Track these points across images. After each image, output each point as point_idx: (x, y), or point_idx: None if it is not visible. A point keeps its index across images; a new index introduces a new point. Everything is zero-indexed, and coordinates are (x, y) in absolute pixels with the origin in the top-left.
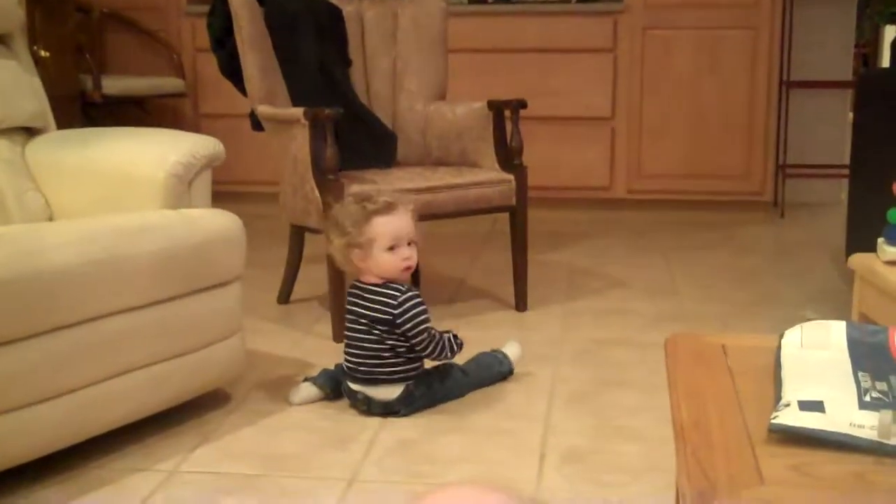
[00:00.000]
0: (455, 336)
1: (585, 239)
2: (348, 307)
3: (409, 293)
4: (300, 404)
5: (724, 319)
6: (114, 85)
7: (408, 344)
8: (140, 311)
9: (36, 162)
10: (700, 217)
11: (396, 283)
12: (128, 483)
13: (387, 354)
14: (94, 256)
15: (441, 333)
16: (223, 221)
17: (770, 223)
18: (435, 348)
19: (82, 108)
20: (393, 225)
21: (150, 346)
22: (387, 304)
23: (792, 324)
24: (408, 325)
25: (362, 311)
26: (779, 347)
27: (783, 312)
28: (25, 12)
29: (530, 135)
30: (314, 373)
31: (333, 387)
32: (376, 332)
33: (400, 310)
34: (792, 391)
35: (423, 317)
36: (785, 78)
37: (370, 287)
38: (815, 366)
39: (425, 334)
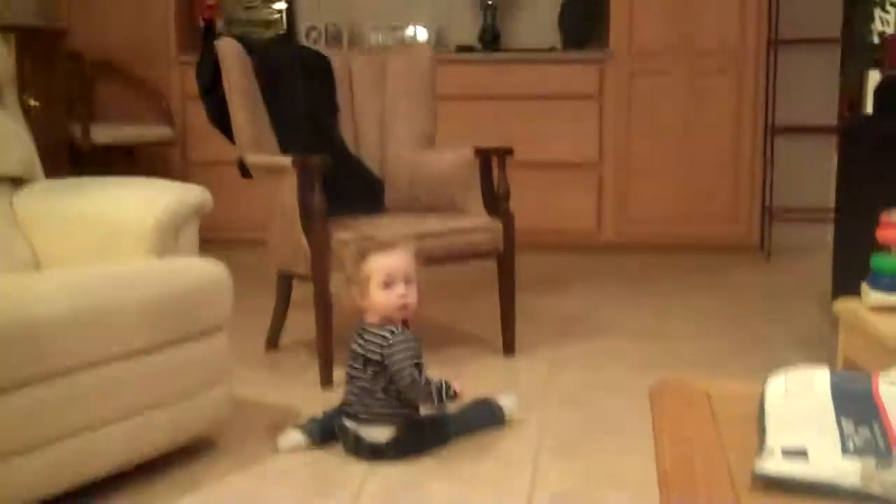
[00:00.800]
0: (447, 386)
1: (574, 283)
2: (351, 344)
3: (402, 336)
4: (288, 451)
5: (712, 362)
6: (103, 133)
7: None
8: (127, 360)
9: (24, 211)
10: (688, 260)
11: (393, 325)
12: None
13: (380, 395)
14: (82, 306)
15: (429, 381)
16: (210, 270)
17: (757, 266)
18: (416, 393)
19: (71, 157)
20: (387, 262)
21: (137, 395)
22: (378, 345)
23: (779, 367)
24: (393, 368)
25: (359, 349)
26: (762, 395)
27: (770, 355)
28: (15, 61)
29: (518, 180)
30: (302, 420)
31: (321, 435)
32: (370, 371)
33: (388, 350)
34: (775, 438)
35: (407, 361)
36: (770, 123)
37: (368, 327)
38: (799, 413)
39: (408, 379)
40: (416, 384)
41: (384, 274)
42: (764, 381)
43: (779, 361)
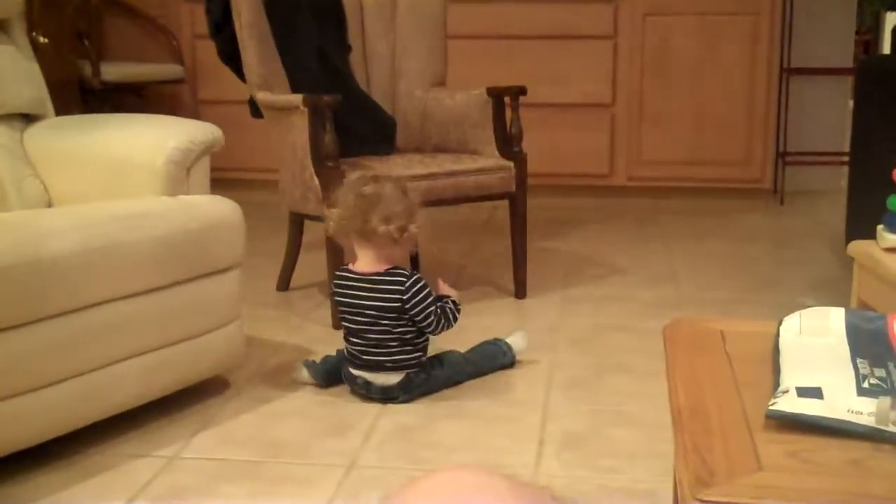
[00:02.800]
0: (454, 303)
1: (585, 226)
2: (343, 298)
3: (414, 277)
4: (303, 382)
5: (723, 306)
6: (112, 71)
7: (415, 330)
8: (139, 297)
9: (34, 148)
10: (700, 204)
11: (400, 269)
12: (128, 469)
13: (393, 344)
14: (93, 243)
15: (443, 306)
16: (222, 208)
17: (770, 210)
18: (441, 325)
19: (81, 95)
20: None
21: (150, 333)
22: (395, 292)
23: (791, 311)
24: (417, 309)
25: (366, 301)
26: (777, 334)
27: (782, 299)
28: None
29: (530, 122)
30: (309, 359)
31: (327, 379)
32: (385, 321)
33: (408, 294)
34: (790, 377)
35: (430, 299)
36: (785, 65)
37: (372, 276)
38: (814, 352)
39: (433, 316)
40: (440, 318)
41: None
42: (779, 321)
43: (792, 305)
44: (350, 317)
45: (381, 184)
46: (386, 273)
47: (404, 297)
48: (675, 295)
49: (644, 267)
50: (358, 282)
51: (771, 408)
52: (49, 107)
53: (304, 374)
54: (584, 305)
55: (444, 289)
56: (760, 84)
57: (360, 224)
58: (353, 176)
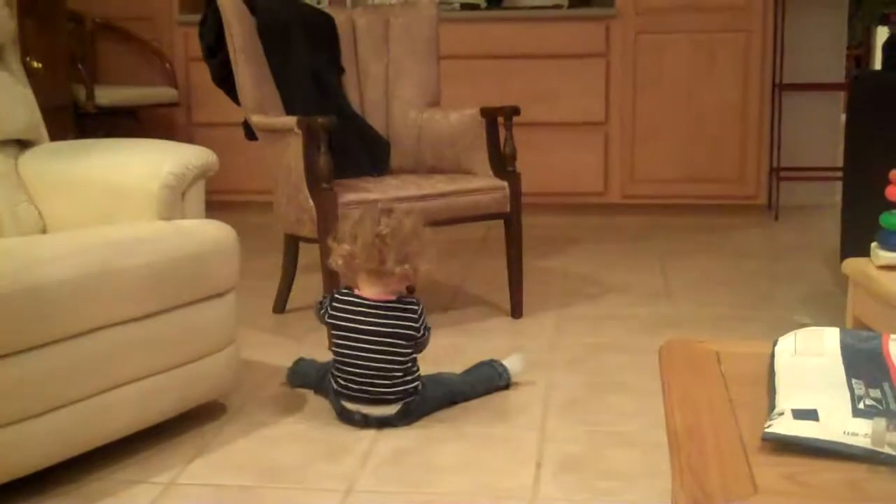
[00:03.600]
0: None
1: (580, 244)
2: (345, 323)
3: (419, 304)
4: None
5: (719, 323)
6: (107, 95)
7: (414, 357)
8: (135, 323)
9: (29, 174)
10: (695, 221)
11: (408, 297)
12: (126, 495)
13: (397, 373)
14: (88, 269)
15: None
16: (217, 232)
17: (764, 226)
18: (427, 343)
19: (75, 119)
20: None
21: (146, 358)
22: (410, 320)
23: (786, 328)
24: (425, 336)
25: (377, 328)
26: (772, 355)
27: (778, 315)
28: (17, 23)
29: (524, 141)
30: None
31: (311, 385)
32: (394, 349)
33: (420, 322)
34: (785, 399)
35: (428, 325)
36: (778, 81)
37: (384, 304)
38: (809, 373)
39: (429, 340)
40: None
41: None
42: (774, 341)
43: (787, 322)
44: (351, 343)
45: (396, 220)
46: (398, 301)
47: (417, 325)
48: (671, 312)
49: (640, 285)
50: (368, 307)
51: (767, 430)
52: (43, 132)
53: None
54: (581, 324)
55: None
56: (753, 100)
57: (375, 265)
58: (347, 196)
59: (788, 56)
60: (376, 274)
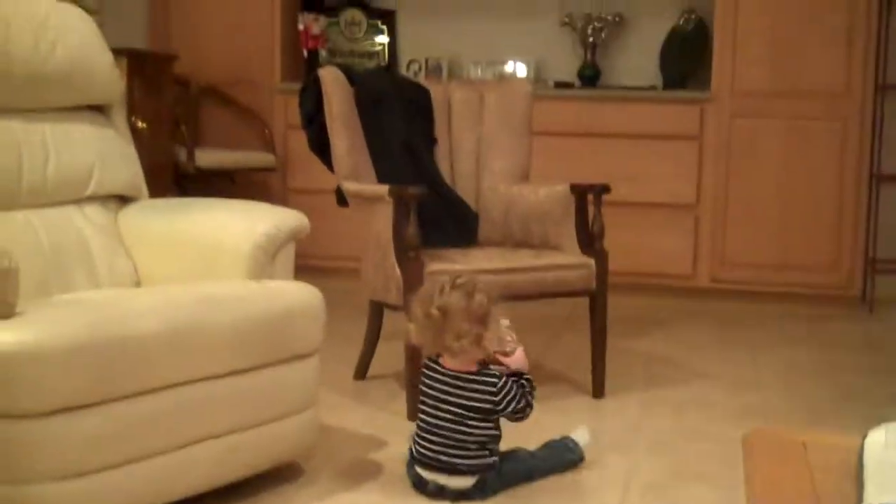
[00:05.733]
0: (529, 381)
1: (667, 327)
2: (429, 391)
3: (504, 378)
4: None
5: (807, 415)
6: (207, 157)
7: (495, 434)
8: (218, 379)
9: (127, 229)
10: (785, 309)
11: (490, 370)
12: None
13: (472, 446)
14: (177, 324)
15: (524, 394)
16: (304, 294)
17: (858, 319)
18: (528, 412)
19: (175, 178)
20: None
21: (227, 416)
22: (487, 393)
23: (877, 423)
24: (510, 408)
25: (455, 398)
26: (862, 447)
27: (869, 411)
28: (126, 84)
29: (613, 219)
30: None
31: None
32: (471, 421)
33: (500, 395)
34: (875, 493)
35: (518, 395)
36: (875, 170)
37: (463, 375)
38: None
39: (522, 411)
40: (527, 410)
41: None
42: (863, 434)
43: (878, 417)
44: (431, 411)
45: (448, 297)
46: (478, 373)
47: (496, 399)
48: (757, 401)
49: (727, 372)
50: (448, 377)
51: None
52: (144, 189)
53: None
54: (664, 408)
55: (521, 358)
56: (849, 188)
57: (433, 344)
58: (433, 266)
59: (886, 146)
60: (443, 350)
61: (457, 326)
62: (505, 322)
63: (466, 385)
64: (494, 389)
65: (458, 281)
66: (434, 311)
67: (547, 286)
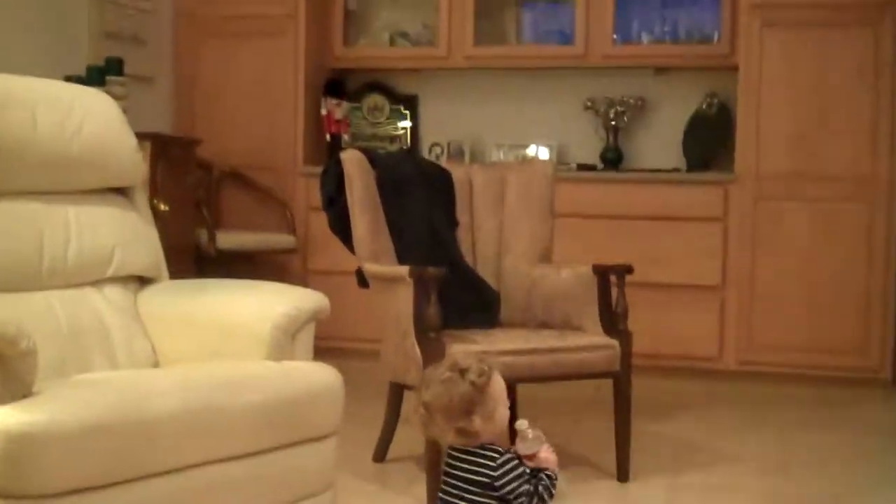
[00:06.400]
0: (550, 477)
1: (693, 410)
2: (444, 468)
3: (508, 454)
4: None
5: (836, 502)
6: (228, 240)
7: None
8: (236, 461)
9: (147, 310)
10: (814, 392)
11: (494, 445)
12: None
13: None
14: (195, 405)
15: (537, 484)
16: (323, 375)
17: (888, 401)
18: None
19: (196, 260)
20: (503, 384)
21: (244, 497)
22: (485, 466)
23: None
24: (508, 488)
25: (458, 472)
26: None
27: None
28: (150, 167)
29: (637, 300)
30: None
31: None
32: (472, 496)
33: (499, 471)
34: None
35: (522, 478)
36: None
37: (468, 449)
38: None
39: (525, 497)
40: (535, 496)
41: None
42: None
43: None
44: (444, 488)
45: (431, 391)
46: (480, 447)
47: (494, 475)
48: (785, 487)
49: (754, 456)
50: (455, 453)
51: None
52: (164, 271)
53: None
54: (690, 494)
55: (545, 458)
56: (877, 270)
57: (424, 431)
58: (454, 347)
59: None
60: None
61: (440, 424)
62: (523, 424)
63: (468, 458)
64: (494, 464)
65: (445, 374)
66: (420, 409)
67: (570, 367)
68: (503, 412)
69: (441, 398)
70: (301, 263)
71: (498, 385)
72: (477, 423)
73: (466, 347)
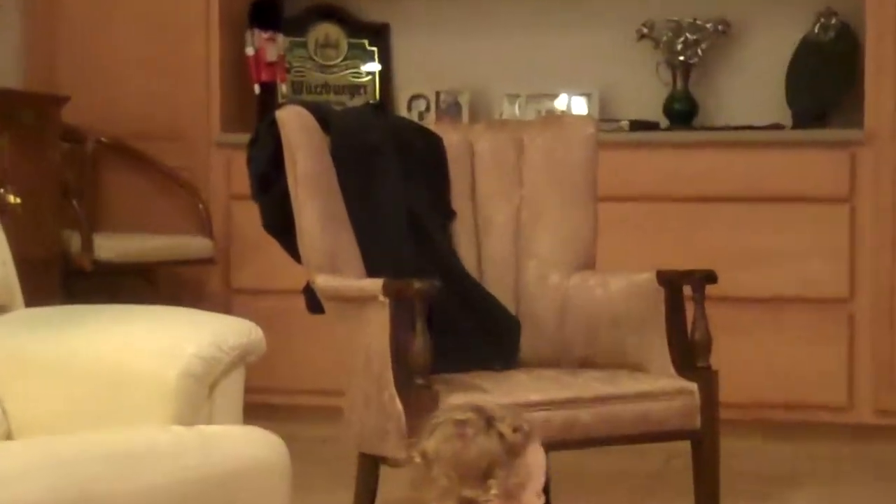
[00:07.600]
0: None
1: (810, 485)
2: None
3: None
4: None
5: None
6: (110, 246)
7: None
8: None
9: None
10: None
11: None
12: None
13: None
14: (65, 493)
15: None
16: (259, 445)
17: None
18: None
19: (64, 278)
20: (543, 458)
21: None
22: None
23: None
24: None
25: None
26: None
27: None
28: None
29: (723, 323)
30: None
31: None
32: None
33: None
34: None
35: None
36: None
37: None
38: None
39: None
40: None
41: (543, 476)
42: None
43: None
44: None
45: (437, 436)
46: None
47: None
48: None
49: None
50: None
51: None
52: (17, 295)
53: None
54: None
55: None
56: None
57: (420, 493)
58: (453, 399)
59: None
60: None
61: (440, 484)
62: None
63: None
64: None
65: (465, 415)
66: (415, 457)
67: (626, 426)
68: (532, 501)
69: (451, 445)
70: (221, 279)
71: (537, 456)
72: (493, 497)
73: (470, 399)
